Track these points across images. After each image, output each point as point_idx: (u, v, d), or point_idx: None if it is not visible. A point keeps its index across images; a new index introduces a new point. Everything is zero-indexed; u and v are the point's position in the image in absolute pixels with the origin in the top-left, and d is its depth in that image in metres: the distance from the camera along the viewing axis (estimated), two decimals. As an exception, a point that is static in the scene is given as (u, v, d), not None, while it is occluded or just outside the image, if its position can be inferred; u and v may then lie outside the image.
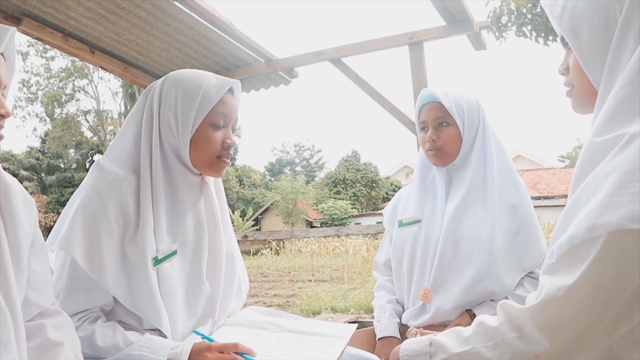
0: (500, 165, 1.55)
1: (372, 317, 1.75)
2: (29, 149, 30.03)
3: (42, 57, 26.64)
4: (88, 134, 29.97)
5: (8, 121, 0.93)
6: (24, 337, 0.87)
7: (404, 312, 1.62)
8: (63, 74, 27.46)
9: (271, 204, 29.74)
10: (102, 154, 29.21)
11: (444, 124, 1.53)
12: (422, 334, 1.17)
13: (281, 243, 20.93)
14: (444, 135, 1.53)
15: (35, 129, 32.16)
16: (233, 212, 25.75)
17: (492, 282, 1.44)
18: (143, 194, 1.17)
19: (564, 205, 0.79)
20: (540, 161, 30.67)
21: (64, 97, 27.77)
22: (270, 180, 37.21)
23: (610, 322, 0.69)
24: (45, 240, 1.08)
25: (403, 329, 1.59)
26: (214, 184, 1.37)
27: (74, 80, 27.83)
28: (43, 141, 29.85)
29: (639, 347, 0.71)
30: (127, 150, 1.23)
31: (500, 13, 6.33)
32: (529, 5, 6.08)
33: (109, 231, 1.12)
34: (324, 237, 17.22)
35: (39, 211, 22.57)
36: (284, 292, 9.06)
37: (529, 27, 6.26)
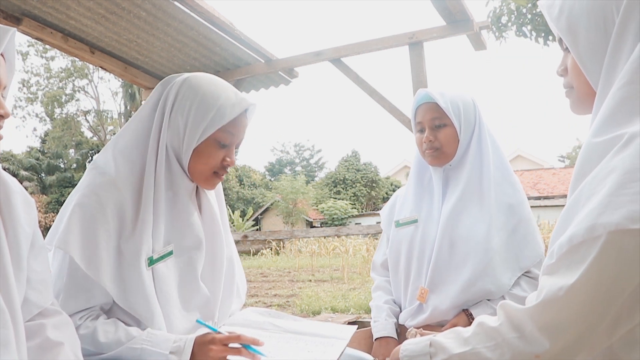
0: (497, 165, 1.55)
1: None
2: (29, 149, 30.03)
3: (42, 57, 26.64)
4: (88, 134, 29.98)
5: (8, 121, 0.93)
6: (24, 337, 0.87)
7: (401, 312, 1.62)
8: (63, 74, 27.45)
9: (271, 204, 29.73)
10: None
11: (441, 125, 1.53)
12: (421, 335, 1.17)
13: (281, 243, 20.93)
14: (440, 135, 1.53)
15: (35, 129, 32.16)
16: (233, 212, 25.75)
17: (488, 282, 1.45)
18: (145, 192, 1.17)
19: (563, 205, 0.79)
20: (540, 161, 30.68)
21: (64, 97, 27.77)
22: (270, 180, 37.20)
23: (610, 321, 0.69)
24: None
25: (400, 329, 1.60)
26: (216, 191, 1.37)
27: (74, 80, 27.83)
28: (43, 141, 29.85)
29: (639, 347, 0.71)
30: (133, 143, 1.22)
31: (500, 13, 6.34)
32: (529, 5, 6.08)
33: (106, 229, 1.12)
34: (324, 237, 17.22)
35: (39, 211, 22.59)
36: (284, 292, 9.06)
37: (529, 27, 6.26)
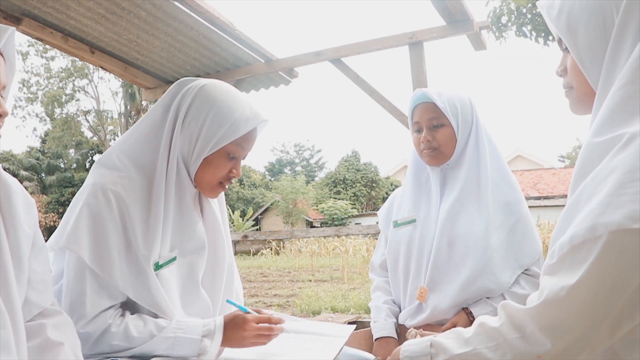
0: (494, 164, 1.56)
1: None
2: (29, 149, 30.03)
3: (42, 57, 26.64)
4: (88, 134, 29.98)
5: (8, 121, 0.93)
6: (24, 337, 0.87)
7: (400, 312, 1.63)
8: (63, 74, 27.45)
9: (271, 204, 29.73)
10: (102, 154, 29.19)
11: (439, 125, 1.54)
12: (422, 335, 1.17)
13: (281, 243, 20.93)
14: (438, 135, 1.54)
15: (35, 129, 32.18)
16: (233, 212, 25.73)
17: (488, 280, 1.45)
18: (156, 197, 1.17)
19: (564, 205, 0.79)
20: (540, 161, 30.68)
21: (64, 97, 27.76)
22: (270, 180, 37.19)
23: (612, 321, 0.69)
24: (46, 239, 1.08)
25: (400, 329, 1.60)
26: (218, 198, 1.37)
27: (74, 80, 27.83)
28: (43, 141, 29.85)
29: (639, 347, 0.71)
30: (142, 145, 1.21)
31: (500, 13, 6.34)
32: (529, 5, 6.08)
33: (115, 229, 1.12)
34: (324, 237, 17.22)
35: (39, 211, 22.57)
36: (284, 292, 9.06)
37: (529, 27, 6.26)
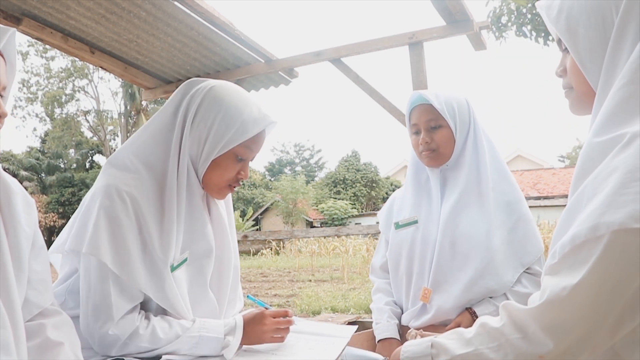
0: (493, 163, 1.56)
1: (372, 318, 1.75)
2: (29, 149, 30.03)
3: (42, 57, 26.64)
4: (88, 134, 29.99)
5: (8, 121, 0.93)
6: (24, 337, 0.87)
7: (402, 313, 1.63)
8: (63, 74, 27.46)
9: (271, 204, 29.74)
10: (102, 154, 29.36)
11: (436, 126, 1.54)
12: (422, 336, 1.17)
13: (281, 243, 20.93)
14: (437, 137, 1.54)
15: (35, 129, 32.19)
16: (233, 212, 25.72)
17: (491, 279, 1.46)
18: (168, 198, 1.17)
19: (564, 205, 0.79)
20: (540, 161, 30.68)
21: (64, 97, 27.77)
22: (270, 180, 37.20)
23: (613, 321, 0.69)
24: (45, 239, 1.08)
25: (402, 331, 1.60)
26: (225, 199, 1.37)
27: (74, 80, 27.84)
28: (43, 141, 29.86)
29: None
30: (152, 146, 1.21)
31: (500, 13, 6.34)
32: (529, 5, 6.08)
33: (132, 232, 1.12)
34: (324, 237, 17.22)
35: (39, 211, 22.59)
36: (284, 292, 9.06)
37: (529, 27, 6.26)
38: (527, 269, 1.51)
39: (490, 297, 1.48)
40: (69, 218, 1.21)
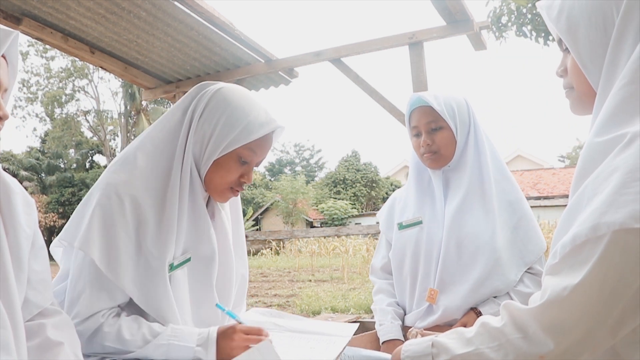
0: (494, 163, 1.57)
1: (372, 318, 1.75)
2: (29, 149, 30.02)
3: (42, 57, 26.63)
4: (88, 134, 29.98)
5: (8, 121, 0.93)
6: (24, 337, 0.87)
7: (404, 314, 1.62)
8: (63, 74, 27.45)
9: (271, 204, 29.73)
10: (102, 154, 29.35)
11: (437, 128, 1.54)
12: (422, 335, 1.17)
13: (281, 243, 20.93)
14: (438, 139, 1.53)
15: (35, 129, 32.19)
16: (233, 212, 25.68)
17: (497, 279, 1.46)
18: (170, 197, 1.16)
19: (564, 205, 0.80)
20: (540, 161, 30.69)
21: (64, 97, 27.76)
22: (270, 180, 37.20)
23: (614, 321, 0.69)
24: (45, 239, 1.08)
25: (404, 331, 1.59)
26: (234, 208, 1.37)
27: (74, 80, 27.83)
28: (43, 141, 29.85)
29: (640, 347, 0.71)
30: (160, 145, 1.20)
31: (500, 13, 6.33)
32: (529, 5, 6.08)
33: (126, 232, 1.12)
34: (324, 237, 17.22)
35: (39, 211, 22.58)
36: (284, 292, 9.06)
37: (529, 27, 6.25)
38: (529, 268, 1.52)
39: (495, 297, 1.48)
40: (69, 218, 1.21)
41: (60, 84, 27.71)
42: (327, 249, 15.77)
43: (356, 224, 26.08)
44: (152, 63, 4.11)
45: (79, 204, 1.18)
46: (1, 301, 0.82)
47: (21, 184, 1.01)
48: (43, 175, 28.04)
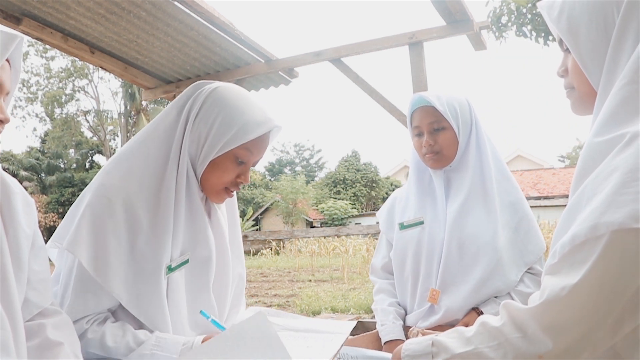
0: (495, 163, 1.57)
1: (373, 318, 1.75)
2: (29, 149, 30.04)
3: (42, 57, 26.64)
4: (88, 134, 30.00)
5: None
6: (24, 337, 0.87)
7: (405, 314, 1.62)
8: (63, 74, 27.46)
9: (271, 204, 29.74)
10: (102, 154, 29.35)
11: (439, 128, 1.53)
12: (423, 334, 1.17)
13: (281, 243, 20.93)
14: (440, 139, 1.53)
15: (35, 129, 32.23)
16: (233, 212, 25.70)
17: (499, 279, 1.47)
18: (165, 198, 1.14)
19: (564, 205, 0.80)
20: (540, 161, 30.70)
21: (64, 97, 27.77)
22: (270, 180, 37.21)
23: (613, 321, 0.69)
24: (45, 239, 1.07)
25: (405, 331, 1.59)
26: (230, 207, 1.35)
27: (74, 80, 27.84)
28: (43, 141, 29.86)
29: (640, 347, 0.71)
30: (156, 145, 1.18)
31: (500, 13, 6.34)
32: (529, 5, 6.08)
33: (117, 233, 1.10)
34: (324, 237, 17.23)
35: (39, 211, 22.59)
36: (284, 292, 9.07)
37: (529, 27, 6.26)
38: (529, 268, 1.52)
39: (496, 297, 1.49)
40: (66, 219, 1.21)
41: (60, 84, 27.72)
42: (327, 249, 15.77)
43: (356, 224, 26.08)
44: (152, 63, 4.11)
45: (72, 205, 1.17)
46: (1, 301, 0.82)
47: (21, 184, 1.01)
48: (43, 175, 28.06)
